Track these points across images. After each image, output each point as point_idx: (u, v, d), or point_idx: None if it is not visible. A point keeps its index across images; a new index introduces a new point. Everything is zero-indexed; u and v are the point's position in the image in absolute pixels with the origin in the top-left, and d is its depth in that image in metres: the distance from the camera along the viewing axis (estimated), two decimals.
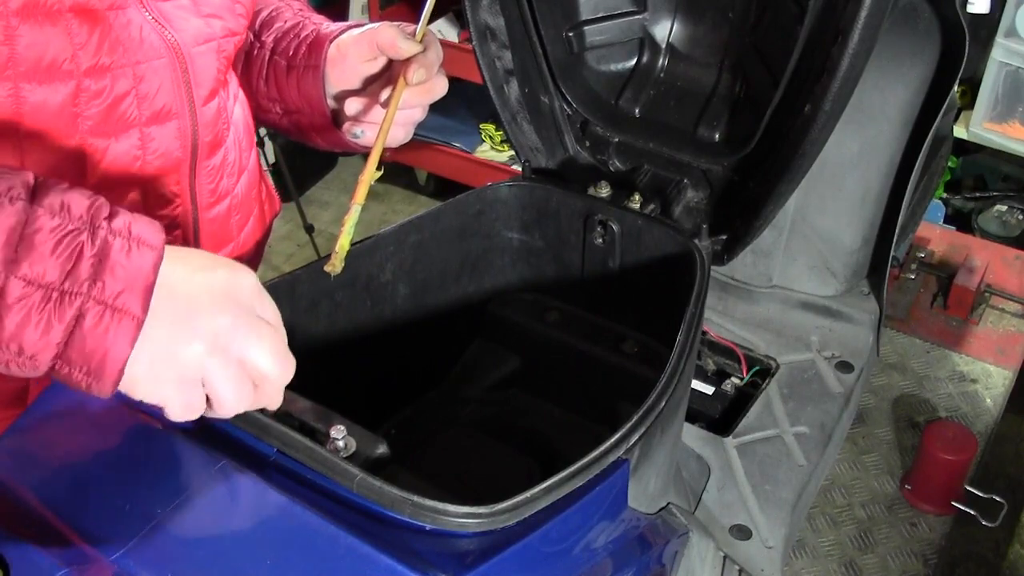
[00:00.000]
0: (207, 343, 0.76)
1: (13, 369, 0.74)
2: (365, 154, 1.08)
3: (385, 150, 1.04)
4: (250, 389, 0.80)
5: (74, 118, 0.93)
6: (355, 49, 1.12)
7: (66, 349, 0.73)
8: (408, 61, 1.06)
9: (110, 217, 0.76)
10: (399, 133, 1.11)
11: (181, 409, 0.79)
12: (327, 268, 0.99)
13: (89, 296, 0.73)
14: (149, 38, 0.96)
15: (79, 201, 0.75)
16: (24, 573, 0.84)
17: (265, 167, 1.46)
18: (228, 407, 0.80)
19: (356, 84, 1.14)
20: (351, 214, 0.98)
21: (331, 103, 1.15)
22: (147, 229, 0.77)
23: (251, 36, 1.19)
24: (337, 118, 1.16)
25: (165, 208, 1.05)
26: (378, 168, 1.01)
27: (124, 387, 0.76)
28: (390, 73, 1.12)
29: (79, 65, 0.91)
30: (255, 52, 1.19)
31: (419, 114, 1.12)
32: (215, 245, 1.13)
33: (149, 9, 0.96)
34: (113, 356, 0.74)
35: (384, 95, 1.10)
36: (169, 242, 1.05)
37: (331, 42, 1.14)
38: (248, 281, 0.81)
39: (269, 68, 1.18)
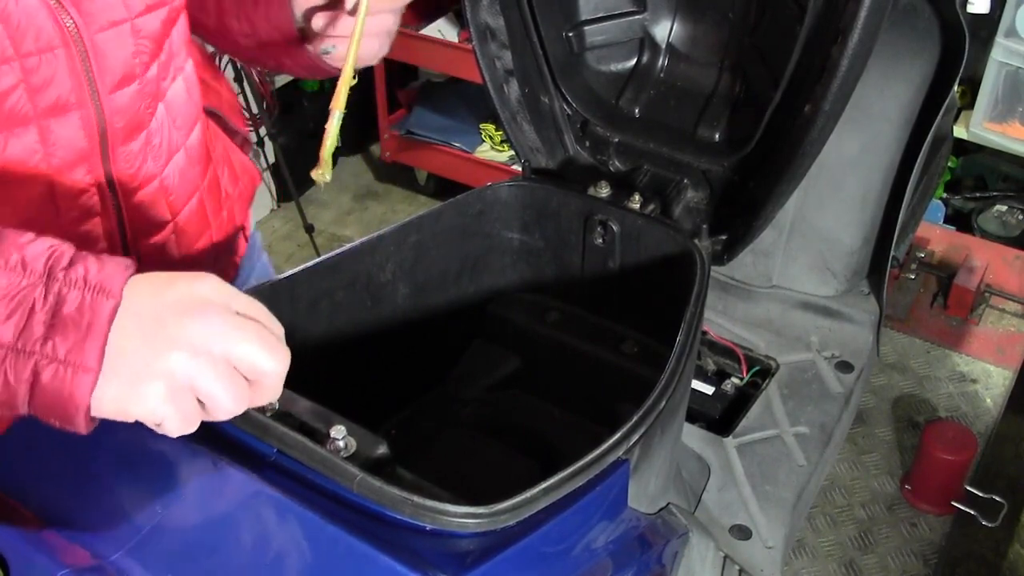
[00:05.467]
0: (187, 349, 0.75)
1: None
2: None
3: (360, 70, 1.05)
4: (244, 385, 0.78)
5: None
6: None
7: (31, 401, 0.74)
8: None
9: (69, 266, 0.74)
10: (373, 44, 1.09)
11: (179, 423, 0.77)
12: (315, 175, 1.00)
13: (43, 355, 0.73)
14: (44, 26, 0.91)
15: (36, 253, 0.74)
16: (24, 573, 0.84)
17: (264, 166, 1.46)
18: (224, 408, 0.77)
19: (321, 0, 1.12)
20: (332, 120, 1.00)
21: (299, 23, 1.13)
22: (108, 274, 0.75)
23: None
24: (309, 39, 1.15)
25: (78, 198, 1.01)
26: (353, 77, 1.02)
27: (115, 413, 0.75)
28: None
29: None
30: None
31: (391, 21, 1.10)
32: (149, 229, 1.09)
33: None
34: (76, 405, 0.74)
35: (351, 3, 1.08)
36: (88, 230, 1.00)
37: None
38: (210, 283, 0.79)
39: (239, 5, 1.16)
